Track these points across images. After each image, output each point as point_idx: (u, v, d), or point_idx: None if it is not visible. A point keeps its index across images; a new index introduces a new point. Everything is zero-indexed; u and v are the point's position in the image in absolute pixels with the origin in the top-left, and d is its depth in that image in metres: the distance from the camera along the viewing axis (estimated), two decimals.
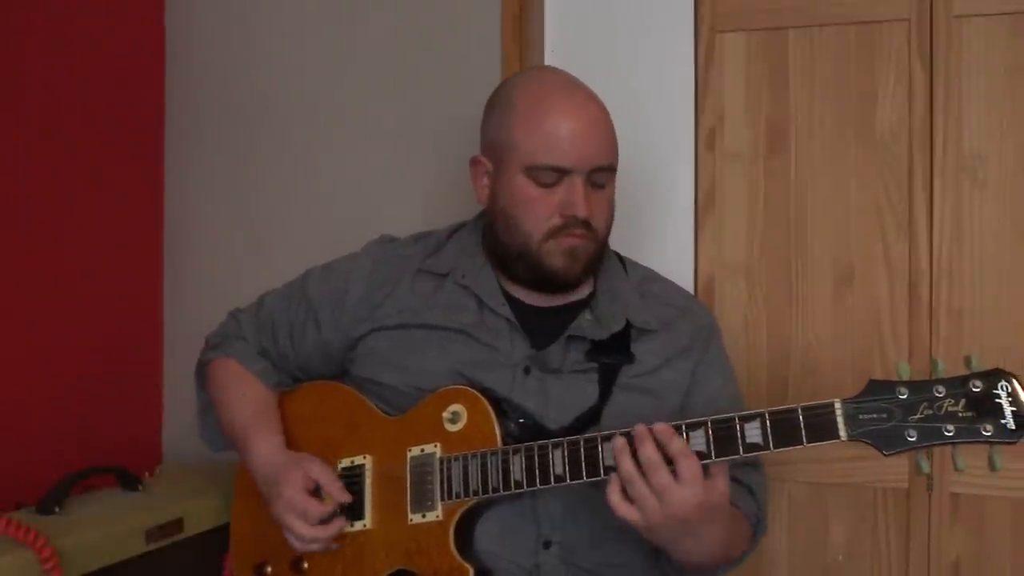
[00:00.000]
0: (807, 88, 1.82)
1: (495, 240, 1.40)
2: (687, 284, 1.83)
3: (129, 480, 1.74)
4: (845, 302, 1.80)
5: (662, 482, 1.12)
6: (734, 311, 1.84)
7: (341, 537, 1.37)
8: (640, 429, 1.15)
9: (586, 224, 1.33)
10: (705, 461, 1.14)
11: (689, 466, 1.12)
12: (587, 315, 1.40)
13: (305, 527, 1.33)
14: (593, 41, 1.90)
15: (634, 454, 1.14)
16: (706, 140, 1.87)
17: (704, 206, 1.87)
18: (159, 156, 2.14)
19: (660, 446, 1.13)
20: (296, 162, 2.06)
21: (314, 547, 1.35)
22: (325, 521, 1.34)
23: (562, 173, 1.32)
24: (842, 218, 1.81)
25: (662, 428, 1.14)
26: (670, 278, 1.54)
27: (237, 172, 2.10)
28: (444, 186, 1.92)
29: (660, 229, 1.84)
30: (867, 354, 1.78)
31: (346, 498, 1.36)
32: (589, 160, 1.32)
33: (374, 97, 2.00)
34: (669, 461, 1.13)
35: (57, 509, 1.57)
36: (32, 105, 1.84)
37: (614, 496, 1.16)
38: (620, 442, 1.16)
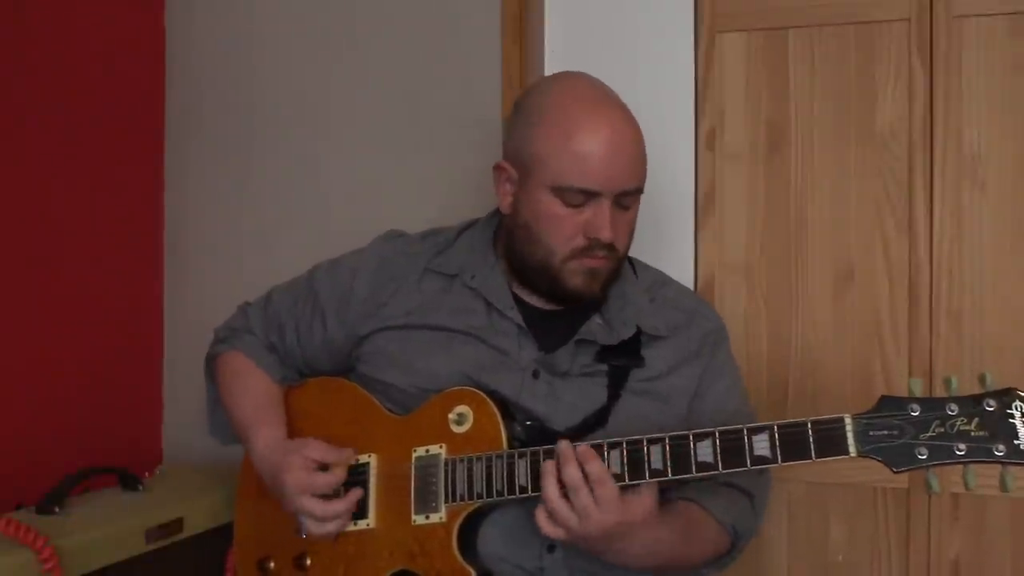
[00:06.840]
0: (807, 88, 1.82)
1: (513, 249, 1.38)
2: (687, 284, 1.81)
3: (129, 480, 1.74)
4: (845, 302, 1.80)
5: (582, 503, 1.16)
6: (734, 311, 1.84)
7: (345, 535, 1.37)
8: (564, 449, 1.18)
9: (609, 247, 1.32)
10: (711, 472, 1.16)
11: (604, 493, 1.16)
12: (597, 319, 1.39)
13: (321, 505, 1.31)
14: (593, 41, 1.89)
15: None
16: (706, 140, 1.87)
17: (704, 206, 1.87)
18: (159, 156, 2.14)
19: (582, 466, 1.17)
20: (295, 162, 2.06)
21: (330, 527, 1.33)
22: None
23: (590, 196, 1.30)
24: (842, 218, 1.81)
25: (583, 450, 1.18)
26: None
27: (237, 172, 2.10)
28: (443, 186, 1.92)
29: (660, 229, 1.83)
30: (867, 354, 1.78)
31: (353, 458, 1.36)
32: (618, 184, 1.30)
33: (374, 97, 2.00)
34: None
35: (57, 509, 1.57)
36: (32, 105, 1.84)
37: (540, 518, 1.20)
38: (548, 465, 1.19)
